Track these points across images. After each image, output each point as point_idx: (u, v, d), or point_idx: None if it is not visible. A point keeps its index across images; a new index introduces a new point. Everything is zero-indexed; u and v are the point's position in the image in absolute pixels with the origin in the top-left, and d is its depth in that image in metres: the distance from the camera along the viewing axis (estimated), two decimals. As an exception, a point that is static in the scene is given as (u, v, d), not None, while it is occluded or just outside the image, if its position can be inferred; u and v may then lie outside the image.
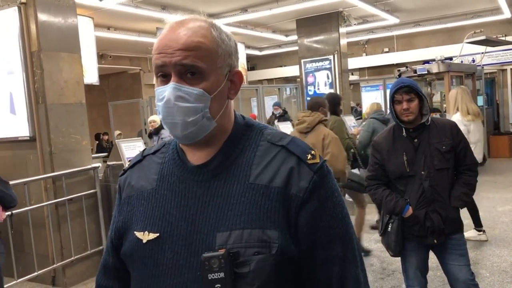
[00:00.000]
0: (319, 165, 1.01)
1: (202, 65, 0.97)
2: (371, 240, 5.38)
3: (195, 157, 1.04)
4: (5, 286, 4.15)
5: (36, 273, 4.39)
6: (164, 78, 0.99)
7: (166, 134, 7.42)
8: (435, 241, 2.69)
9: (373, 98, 13.04)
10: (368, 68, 15.16)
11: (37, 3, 4.48)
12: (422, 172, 2.67)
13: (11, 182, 4.38)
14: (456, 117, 4.92)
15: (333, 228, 1.01)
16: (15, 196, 3.42)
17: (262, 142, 1.04)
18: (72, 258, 4.64)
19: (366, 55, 15.13)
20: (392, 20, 11.00)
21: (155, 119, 7.43)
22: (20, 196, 4.44)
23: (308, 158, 1.01)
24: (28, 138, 4.60)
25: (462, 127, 3.57)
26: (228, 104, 1.05)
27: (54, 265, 4.56)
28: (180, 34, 0.97)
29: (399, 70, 8.55)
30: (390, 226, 2.76)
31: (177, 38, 0.97)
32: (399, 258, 2.92)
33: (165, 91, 0.97)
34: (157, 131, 7.37)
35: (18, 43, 4.51)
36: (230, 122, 1.06)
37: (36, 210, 4.50)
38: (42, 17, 4.53)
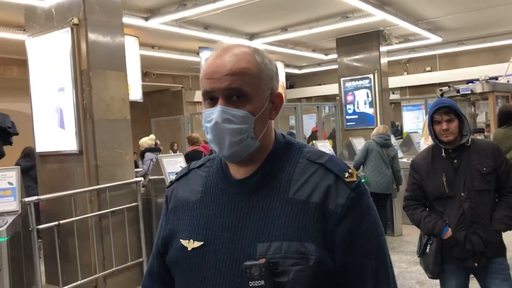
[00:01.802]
0: (356, 183, 1.07)
1: (247, 89, 1.05)
2: (410, 262, 5.27)
3: (238, 172, 1.11)
4: (50, 293, 4.33)
5: (79, 282, 4.54)
6: (212, 100, 1.07)
7: (148, 157, 7.65)
8: (476, 264, 2.64)
9: (414, 117, 12.86)
10: (410, 87, 14.95)
11: (88, 24, 4.73)
12: (462, 194, 2.63)
13: (58, 194, 4.61)
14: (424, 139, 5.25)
15: (368, 244, 1.05)
16: None
17: (301, 160, 1.10)
18: (113, 268, 4.78)
19: (408, 74, 14.94)
20: (434, 39, 10.86)
21: (142, 142, 7.80)
22: (66, 207, 4.66)
23: (346, 176, 1.07)
24: (75, 152, 4.80)
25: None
26: (270, 124, 1.12)
27: (96, 275, 4.71)
28: (226, 60, 1.06)
29: (441, 90, 8.40)
30: (428, 247, 2.73)
31: (224, 64, 1.05)
32: (438, 281, 2.87)
33: (213, 114, 1.05)
34: (143, 153, 7.51)
35: (70, 61, 4.75)
36: (271, 140, 1.13)
37: (81, 221, 4.68)
38: (92, 37, 4.77)
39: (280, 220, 1.03)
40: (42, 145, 5.16)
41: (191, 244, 1.09)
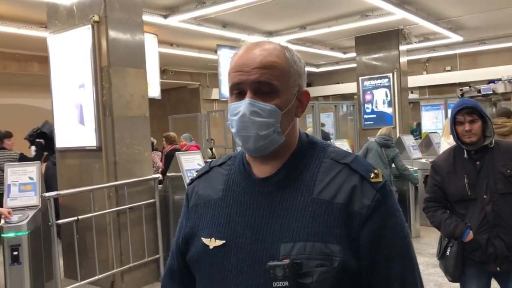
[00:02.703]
0: (381, 184, 1.05)
1: (276, 83, 1.04)
2: (428, 264, 5.21)
3: (261, 170, 1.10)
4: (69, 287, 4.38)
5: (97, 277, 4.59)
6: (239, 95, 1.06)
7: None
8: (498, 268, 2.58)
9: (433, 117, 12.68)
10: (429, 86, 14.75)
11: (108, 21, 4.77)
12: (485, 196, 2.58)
13: (77, 189, 4.67)
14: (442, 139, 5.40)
15: (393, 246, 1.03)
16: None
17: (325, 160, 1.08)
18: (130, 264, 4.82)
19: (427, 73, 14.75)
20: (455, 38, 10.69)
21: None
22: (85, 203, 4.72)
23: (371, 176, 1.05)
24: (95, 148, 4.85)
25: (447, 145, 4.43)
26: (295, 121, 1.11)
27: (114, 271, 4.75)
28: (256, 53, 1.05)
29: (461, 90, 8.29)
30: (449, 250, 2.68)
31: (254, 57, 1.04)
32: (457, 284, 2.82)
33: (241, 106, 1.04)
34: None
35: (90, 58, 4.80)
36: (295, 138, 1.12)
37: (99, 216, 4.73)
38: (112, 34, 4.81)
39: (304, 220, 1.01)
40: (62, 141, 5.22)
41: (212, 243, 1.08)
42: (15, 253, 3.83)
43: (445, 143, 6.20)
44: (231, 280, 1.04)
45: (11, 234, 3.84)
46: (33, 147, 6.21)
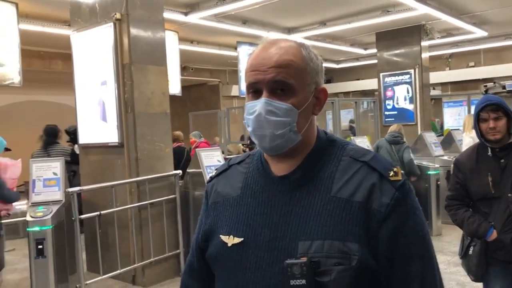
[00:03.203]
0: (401, 182, 1.04)
1: (292, 81, 1.04)
2: (449, 263, 5.14)
3: (279, 168, 1.10)
4: (91, 281, 4.46)
5: (118, 271, 4.67)
6: (256, 93, 1.06)
7: None
8: (523, 268, 2.54)
9: (455, 114, 12.47)
10: (451, 83, 14.49)
11: (130, 19, 4.83)
12: (509, 194, 2.53)
13: (100, 185, 4.75)
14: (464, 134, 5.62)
15: (413, 245, 1.02)
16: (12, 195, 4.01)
17: (344, 158, 1.08)
18: (151, 259, 4.89)
19: (450, 69, 14.49)
20: (479, 33, 10.47)
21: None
22: (107, 198, 4.79)
23: (390, 175, 1.04)
24: (117, 144, 4.92)
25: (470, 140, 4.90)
26: (313, 119, 1.11)
27: (135, 265, 4.82)
28: (272, 52, 1.05)
29: (485, 86, 8.13)
30: (471, 249, 2.64)
31: (270, 56, 1.04)
32: (479, 284, 2.78)
33: (257, 105, 1.04)
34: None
35: (112, 56, 4.87)
36: (313, 136, 1.12)
37: (121, 212, 4.80)
38: (134, 32, 4.86)
39: (322, 219, 1.01)
40: (85, 137, 5.32)
41: (231, 240, 1.09)
42: (40, 246, 3.92)
43: (468, 137, 6.15)
44: (249, 277, 1.05)
45: (36, 228, 3.93)
46: (76, 146, 6.32)
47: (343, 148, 1.11)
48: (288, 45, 1.07)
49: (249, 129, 1.08)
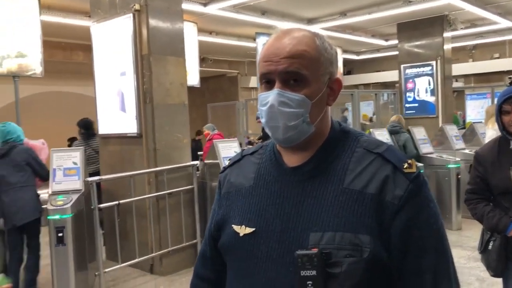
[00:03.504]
0: (415, 174, 1.02)
1: (306, 72, 1.02)
2: (469, 258, 5.06)
3: (291, 159, 1.09)
4: (109, 269, 4.54)
5: (136, 260, 4.74)
6: (268, 84, 1.05)
7: None
8: (544, 264, 2.48)
9: (478, 106, 12.24)
10: (475, 75, 14.21)
11: (149, 10, 4.84)
12: (531, 189, 2.47)
13: (118, 175, 4.81)
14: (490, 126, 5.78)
15: (426, 238, 1.01)
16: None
17: (357, 149, 1.07)
18: (169, 248, 4.94)
19: (473, 60, 14.20)
20: (504, 23, 10.22)
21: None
22: (125, 188, 4.86)
23: (405, 167, 1.02)
24: (135, 134, 4.97)
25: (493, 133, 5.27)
26: (327, 110, 1.09)
27: (153, 254, 4.89)
28: (285, 43, 1.03)
29: (510, 78, 7.92)
30: (491, 244, 2.59)
31: (283, 46, 1.03)
32: (501, 279, 2.73)
33: (269, 97, 1.03)
34: None
35: (131, 47, 4.90)
36: (327, 127, 1.10)
37: (139, 201, 4.86)
38: (153, 22, 4.88)
39: (334, 210, 1.00)
40: (104, 128, 5.38)
41: (242, 230, 1.09)
42: (60, 234, 3.99)
43: (491, 130, 6.02)
44: (260, 267, 1.05)
45: (56, 216, 4.00)
46: None
47: (357, 139, 1.09)
48: (302, 34, 1.05)
49: (262, 120, 1.07)
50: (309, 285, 0.96)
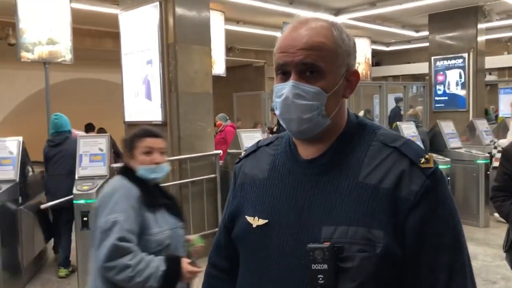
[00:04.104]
0: (432, 170, 0.99)
1: (322, 64, 1.00)
2: (496, 256, 4.95)
3: (307, 152, 1.08)
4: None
5: (159, 246, 4.81)
6: (284, 75, 1.04)
7: None
8: None
9: (512, 101, 11.86)
10: (510, 68, 13.76)
11: (176, -1, 4.85)
12: (561, 187, 2.39)
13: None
14: None
15: (442, 235, 0.98)
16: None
17: (374, 142, 1.04)
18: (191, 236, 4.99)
19: (508, 53, 13.74)
20: (543, 15, 9.84)
21: None
22: (150, 175, 4.90)
23: (422, 161, 1.00)
24: (160, 122, 5.02)
25: None
26: (343, 103, 1.07)
27: (175, 241, 4.94)
28: (302, 33, 1.01)
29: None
30: (517, 243, 2.52)
31: (300, 37, 1.01)
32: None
33: (284, 88, 1.01)
34: None
35: (158, 35, 4.94)
36: (343, 120, 1.08)
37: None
38: (179, 11, 4.89)
39: (348, 204, 0.98)
40: (130, 115, 5.45)
41: (255, 221, 1.08)
42: (85, 219, 4.08)
43: None
44: (272, 259, 1.04)
45: (82, 201, 4.10)
46: None
47: (374, 132, 1.07)
48: (319, 25, 1.03)
49: (277, 112, 1.06)
50: (320, 278, 0.95)
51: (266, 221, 1.07)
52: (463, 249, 1.00)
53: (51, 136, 4.85)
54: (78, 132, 5.21)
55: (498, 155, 6.23)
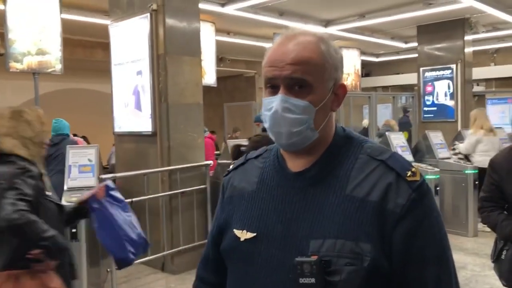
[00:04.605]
0: (418, 183, 1.00)
1: (310, 78, 1.02)
2: (484, 265, 4.97)
3: (295, 165, 1.09)
4: (122, 266, 4.58)
5: (148, 258, 4.77)
6: (273, 89, 1.05)
7: None
8: (558, 275, 2.42)
9: (499, 111, 12.01)
10: (496, 79, 13.96)
11: (166, 10, 4.87)
12: (547, 198, 2.41)
13: (132, 172, 4.84)
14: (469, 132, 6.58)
15: (428, 248, 0.99)
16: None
17: (361, 155, 1.05)
18: (180, 247, 4.96)
19: (495, 64, 13.95)
20: (527, 27, 10.01)
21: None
22: (139, 186, 4.89)
23: (408, 175, 1.01)
24: (150, 133, 5.01)
25: (473, 139, 6.39)
26: (331, 116, 1.09)
27: (164, 252, 4.91)
28: (290, 48, 1.03)
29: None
30: (504, 253, 2.54)
31: (288, 52, 1.02)
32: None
33: (274, 102, 1.03)
34: None
35: (148, 46, 4.94)
36: (331, 133, 1.09)
37: (152, 199, 4.89)
38: (170, 22, 4.91)
39: (335, 217, 0.99)
40: (119, 125, 5.43)
41: (244, 235, 1.09)
42: (74, 230, 4.04)
43: (473, 137, 6.17)
44: (260, 272, 1.04)
45: (71, 212, 4.04)
46: None
47: (361, 145, 1.08)
48: (307, 40, 1.05)
49: (266, 125, 1.07)
50: None
51: (254, 234, 1.07)
52: (450, 262, 1.02)
53: (51, 138, 4.99)
54: (78, 139, 5.77)
55: (455, 158, 6.62)
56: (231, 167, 1.27)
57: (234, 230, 1.12)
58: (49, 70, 6.07)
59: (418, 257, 0.98)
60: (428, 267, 0.99)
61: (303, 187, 1.05)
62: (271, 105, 1.03)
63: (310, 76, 1.01)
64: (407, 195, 0.98)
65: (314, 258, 0.96)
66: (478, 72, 11.87)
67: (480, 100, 12.94)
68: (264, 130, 7.87)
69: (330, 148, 1.08)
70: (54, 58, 6.02)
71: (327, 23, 9.65)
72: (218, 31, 8.92)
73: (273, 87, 1.05)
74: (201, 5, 5.44)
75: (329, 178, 1.04)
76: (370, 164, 1.03)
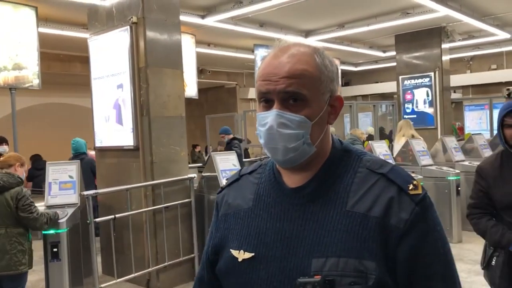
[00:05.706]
0: (421, 196, 0.97)
1: (305, 92, 0.98)
2: (470, 271, 4.99)
3: (292, 180, 1.04)
4: (105, 284, 4.45)
5: (133, 275, 4.65)
6: (267, 103, 1.01)
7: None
8: (549, 281, 2.42)
9: (477, 117, 12.23)
10: (473, 86, 14.25)
11: (146, 23, 4.81)
12: (535, 204, 2.42)
13: (115, 188, 4.75)
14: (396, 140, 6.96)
15: (433, 263, 0.96)
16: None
17: (360, 169, 1.02)
18: (166, 263, 4.86)
19: (471, 72, 14.24)
20: (502, 35, 10.26)
21: None
22: (122, 201, 4.79)
23: (410, 188, 0.98)
24: (132, 147, 4.92)
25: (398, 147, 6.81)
26: (327, 129, 1.05)
27: (149, 269, 4.80)
28: (284, 61, 0.99)
29: (508, 89, 7.92)
30: (494, 260, 2.54)
31: (281, 65, 0.98)
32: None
33: (268, 117, 0.98)
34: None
35: (128, 59, 4.87)
36: (328, 146, 1.06)
37: (136, 215, 4.79)
38: (150, 35, 4.85)
39: (337, 234, 0.95)
40: (101, 140, 5.33)
41: (241, 255, 1.04)
42: (55, 249, 3.92)
43: (397, 145, 6.38)
44: None
45: (51, 231, 3.93)
46: None
47: (360, 158, 1.04)
48: (301, 52, 1.01)
49: (261, 141, 1.02)
50: None
51: (252, 254, 1.02)
52: (455, 277, 0.99)
53: (71, 157, 6.15)
54: (91, 153, 6.47)
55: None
56: (224, 183, 1.22)
57: (231, 250, 1.06)
58: (27, 85, 5.96)
59: (423, 274, 0.95)
60: (434, 283, 0.96)
61: (301, 204, 1.01)
62: (265, 120, 0.99)
63: (305, 89, 0.97)
64: (410, 209, 0.95)
65: (317, 278, 0.92)
66: (455, 80, 12.10)
67: (458, 106, 13.18)
68: (228, 143, 7.92)
69: (328, 162, 1.04)
70: (31, 73, 5.92)
71: (307, 33, 9.73)
72: (198, 42, 8.90)
73: (267, 101, 1.01)
74: (182, 17, 5.40)
75: (329, 193, 1.00)
76: (370, 178, 1.00)
